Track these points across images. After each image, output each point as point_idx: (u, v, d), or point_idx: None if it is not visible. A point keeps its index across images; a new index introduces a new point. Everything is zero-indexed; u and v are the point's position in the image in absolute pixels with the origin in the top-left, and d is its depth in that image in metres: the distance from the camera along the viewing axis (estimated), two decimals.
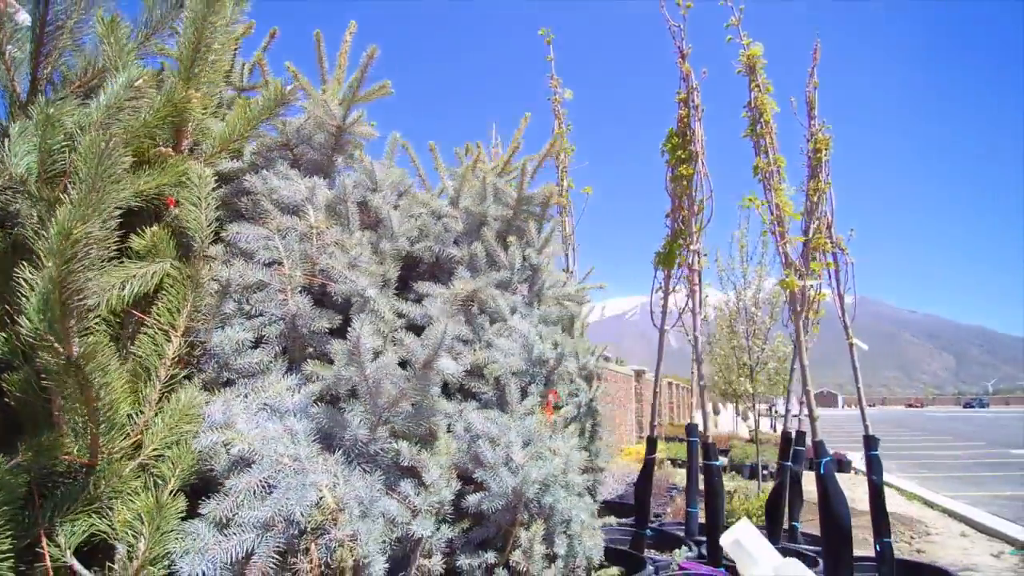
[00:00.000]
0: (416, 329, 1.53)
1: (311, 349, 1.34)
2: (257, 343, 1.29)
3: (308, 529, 0.98)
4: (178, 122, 1.26)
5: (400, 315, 1.57)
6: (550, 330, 1.90)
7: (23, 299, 0.84)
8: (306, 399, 1.21)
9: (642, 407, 11.38)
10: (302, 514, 0.95)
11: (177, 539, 0.87)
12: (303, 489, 0.98)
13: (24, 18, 1.37)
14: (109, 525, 0.88)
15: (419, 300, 1.66)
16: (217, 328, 1.23)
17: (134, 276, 1.08)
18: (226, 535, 0.90)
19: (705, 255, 3.04)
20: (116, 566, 0.80)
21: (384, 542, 1.15)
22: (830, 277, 3.55)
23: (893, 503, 7.89)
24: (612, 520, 2.66)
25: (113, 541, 0.83)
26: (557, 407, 1.85)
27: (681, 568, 2.42)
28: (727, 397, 9.67)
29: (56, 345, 0.82)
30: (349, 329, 1.18)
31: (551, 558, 1.49)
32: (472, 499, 1.40)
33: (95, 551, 0.88)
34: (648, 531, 3.34)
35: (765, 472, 9.16)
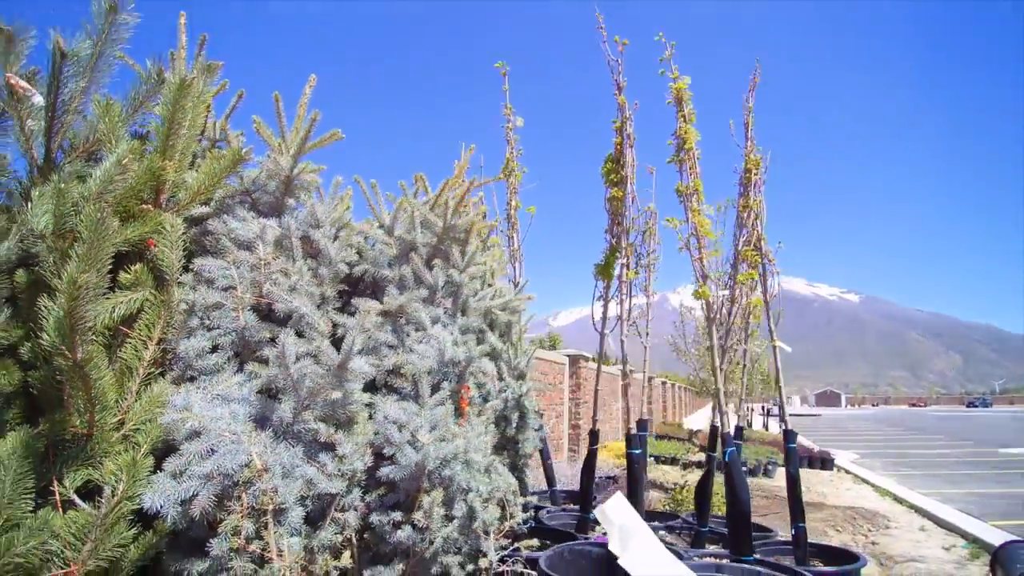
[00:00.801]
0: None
1: (257, 353, 1.78)
2: (215, 349, 1.72)
3: (240, 482, 1.41)
4: (156, 184, 1.70)
5: (335, 325, 2.00)
6: (467, 337, 2.33)
7: (44, 320, 1.28)
8: (249, 391, 1.65)
9: (628, 403, 11.73)
10: (234, 470, 1.38)
11: (146, 485, 1.31)
12: (236, 454, 1.41)
13: (39, 100, 1.81)
14: (100, 475, 1.31)
15: (353, 314, 2.09)
16: (184, 338, 1.67)
17: (121, 302, 1.52)
18: (179, 482, 1.33)
19: (648, 266, 3.44)
20: (103, 501, 1.23)
21: (303, 497, 1.58)
22: (759, 284, 3.96)
23: (865, 499, 8.26)
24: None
25: (102, 485, 1.26)
26: (470, 400, 2.28)
27: (596, 540, 2.82)
28: (702, 396, 10.02)
29: (66, 353, 1.26)
30: (278, 338, 1.62)
31: (449, 519, 1.91)
32: (384, 470, 1.83)
33: (90, 492, 1.31)
34: (591, 515, 3.76)
35: (745, 468, 9.51)
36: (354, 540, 1.80)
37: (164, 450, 1.43)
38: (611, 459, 9.02)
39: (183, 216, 1.77)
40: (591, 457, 3.78)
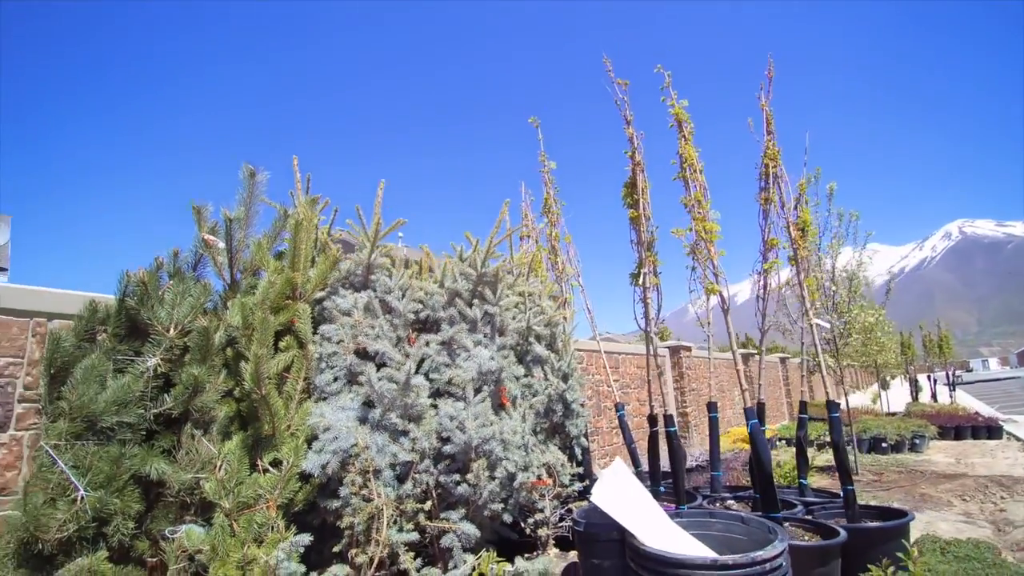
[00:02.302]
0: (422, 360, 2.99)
1: (359, 379, 2.88)
2: (335, 379, 2.85)
3: (353, 455, 2.48)
4: (292, 285, 2.88)
5: (406, 355, 3.04)
6: (504, 352, 3.25)
7: (244, 374, 2.46)
8: (355, 402, 2.74)
9: (752, 389, 11.65)
10: (348, 448, 2.46)
11: (304, 459, 2.44)
12: (349, 439, 2.49)
13: (221, 245, 3.10)
14: (280, 455, 2.47)
15: (426, 344, 3.13)
16: (317, 374, 2.81)
17: (282, 359, 2.69)
18: (320, 456, 2.44)
19: (657, 273, 4.06)
20: (283, 468, 2.38)
21: (392, 464, 2.62)
22: (795, 265, 4.32)
23: (1021, 466, 7.66)
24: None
25: (281, 460, 2.41)
26: (511, 397, 3.18)
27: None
28: (812, 372, 9.69)
29: (257, 391, 2.42)
30: (369, 368, 2.69)
31: (492, 479, 2.84)
32: (445, 448, 2.82)
33: (275, 463, 2.47)
34: (661, 488, 4.42)
35: (884, 445, 9.20)
36: (433, 494, 2.81)
37: (311, 439, 2.57)
38: (728, 443, 9.25)
39: (309, 300, 2.95)
40: (652, 438, 4.44)
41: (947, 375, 15.95)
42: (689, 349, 8.48)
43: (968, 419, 11.13)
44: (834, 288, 7.40)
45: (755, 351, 12.08)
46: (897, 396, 18.83)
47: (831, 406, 3.98)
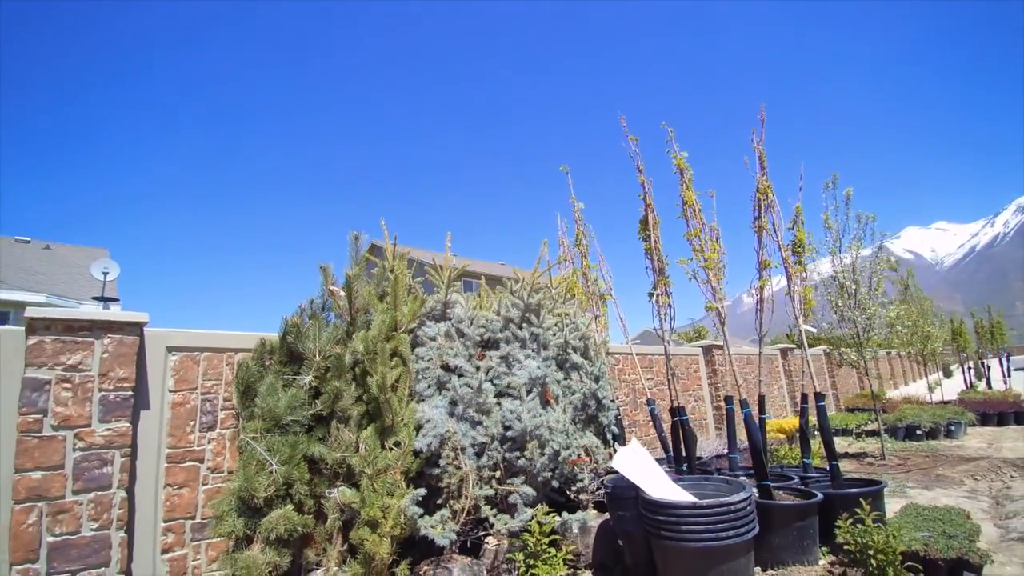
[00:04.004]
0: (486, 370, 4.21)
1: (446, 386, 4.11)
2: (428, 387, 4.10)
3: (446, 437, 3.71)
4: (395, 321, 4.15)
5: (477, 368, 4.26)
6: (548, 362, 4.42)
7: (370, 384, 3.74)
8: (444, 403, 3.98)
9: (791, 383, 12.38)
10: (443, 433, 3.69)
11: (414, 440, 3.69)
12: (443, 427, 3.73)
13: (343, 294, 4.40)
14: (399, 438, 3.73)
15: (490, 359, 4.34)
16: (416, 383, 4.08)
17: (394, 373, 3.96)
18: (424, 438, 3.69)
19: (669, 293, 5.11)
20: (402, 447, 3.63)
21: (472, 444, 3.84)
22: (787, 279, 5.30)
23: None
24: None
25: (400, 442, 3.67)
26: (555, 396, 4.35)
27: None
28: (839, 367, 10.32)
29: (381, 396, 3.69)
30: (452, 377, 3.92)
31: (543, 454, 4.01)
32: (508, 433, 4.02)
33: (397, 444, 3.74)
34: (684, 467, 5.47)
35: (919, 432, 9.89)
36: (501, 466, 4.01)
37: (417, 427, 3.83)
38: (770, 434, 10.07)
39: (406, 331, 4.22)
40: (675, 426, 5.49)
41: (1000, 361, 15.97)
42: (721, 348, 9.39)
43: (1012, 405, 11.51)
44: (854, 286, 8.18)
45: (793, 346, 12.76)
46: (958, 384, 18.88)
47: (818, 397, 4.96)
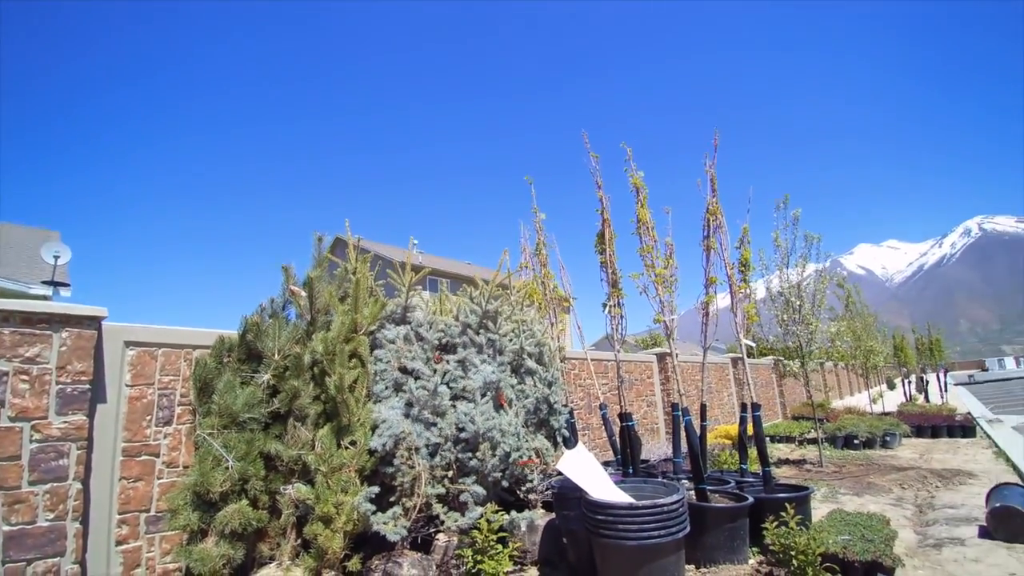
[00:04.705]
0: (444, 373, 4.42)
1: (402, 387, 4.30)
2: (385, 388, 4.28)
3: (401, 437, 3.91)
4: (355, 323, 4.32)
5: (434, 371, 4.46)
6: (503, 367, 4.65)
7: (328, 384, 3.90)
8: (401, 404, 4.17)
9: (741, 390, 12.97)
10: (397, 434, 3.88)
11: (369, 439, 3.88)
12: (398, 427, 3.92)
13: (304, 294, 4.54)
14: (355, 437, 3.90)
15: (447, 362, 4.55)
16: (373, 385, 4.25)
17: (352, 374, 4.13)
18: (380, 438, 3.88)
19: (620, 305, 5.43)
20: (357, 446, 3.81)
21: (426, 445, 4.04)
22: (731, 296, 5.68)
23: (973, 462, 8.98)
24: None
25: (356, 440, 3.85)
26: (508, 399, 4.59)
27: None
28: (784, 377, 10.96)
29: (338, 396, 3.86)
30: (409, 380, 4.11)
31: (494, 456, 4.25)
32: (462, 435, 4.23)
33: (352, 443, 3.91)
34: (629, 469, 5.79)
35: (856, 441, 10.50)
36: (453, 465, 4.22)
37: (373, 427, 4.01)
38: (713, 439, 10.58)
39: (366, 333, 4.39)
40: (623, 431, 5.81)
41: (937, 377, 17.05)
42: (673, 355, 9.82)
43: (945, 419, 12.31)
44: (799, 302, 8.71)
45: (744, 353, 13.37)
46: (899, 397, 20.03)
47: (755, 407, 5.34)
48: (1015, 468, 7.82)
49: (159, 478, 3.68)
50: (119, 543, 3.38)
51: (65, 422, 3.15)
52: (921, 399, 17.59)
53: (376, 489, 3.73)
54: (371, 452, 3.96)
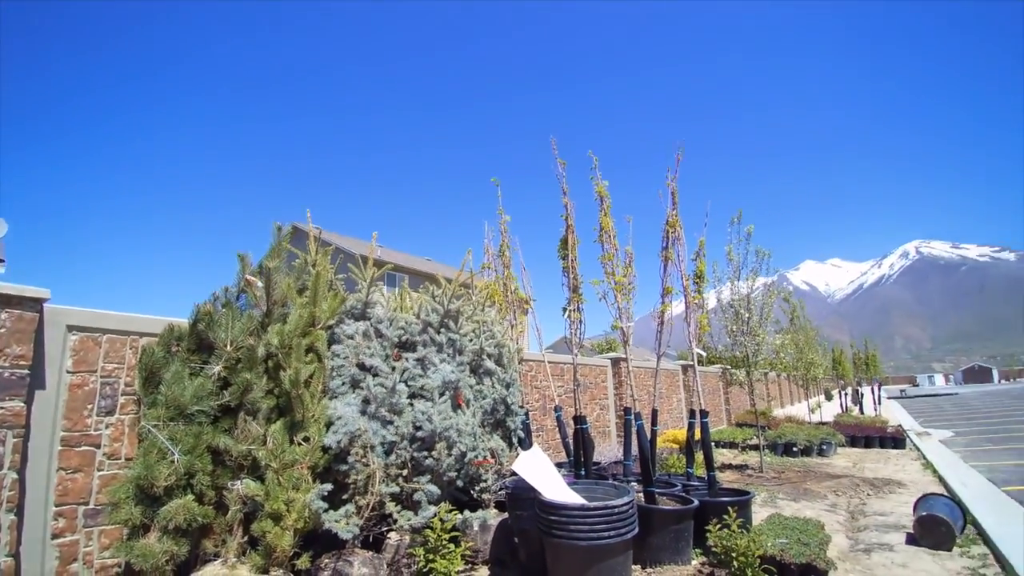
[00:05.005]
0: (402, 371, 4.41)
1: (360, 384, 4.27)
2: (343, 384, 4.24)
3: (356, 435, 3.89)
4: (313, 317, 4.26)
5: (392, 369, 4.45)
6: (463, 367, 4.69)
7: (283, 378, 3.84)
8: (357, 401, 4.15)
9: (689, 397, 13.38)
10: (353, 431, 3.86)
11: (324, 436, 3.84)
12: (354, 424, 3.89)
13: (260, 284, 4.45)
14: (309, 434, 3.86)
15: (406, 360, 4.54)
16: (330, 380, 4.21)
17: (309, 369, 4.08)
18: (335, 434, 3.84)
19: (580, 310, 5.55)
20: (311, 442, 3.77)
21: (382, 443, 4.03)
22: (685, 307, 5.89)
23: (902, 471, 9.49)
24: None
25: (310, 436, 3.80)
26: (466, 399, 4.62)
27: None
28: (730, 385, 11.45)
29: (293, 391, 3.81)
30: (367, 376, 4.09)
31: (450, 455, 4.27)
32: (419, 433, 4.24)
33: (306, 439, 3.86)
34: (581, 471, 5.90)
35: (795, 449, 10.97)
36: (408, 464, 4.22)
37: (328, 424, 3.98)
38: (662, 443, 10.89)
39: (324, 328, 4.34)
40: (576, 434, 5.93)
41: (872, 390, 18.06)
42: (627, 360, 10.07)
43: (878, 430, 13.04)
44: (747, 314, 9.07)
45: (695, 361, 13.82)
46: (836, 408, 21.10)
47: (702, 414, 5.55)
48: (941, 479, 8.36)
49: (100, 470, 3.55)
50: (55, 536, 3.24)
51: (1, 408, 3.00)
52: (856, 411, 18.56)
53: (329, 487, 3.70)
54: (325, 449, 3.92)
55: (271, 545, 3.44)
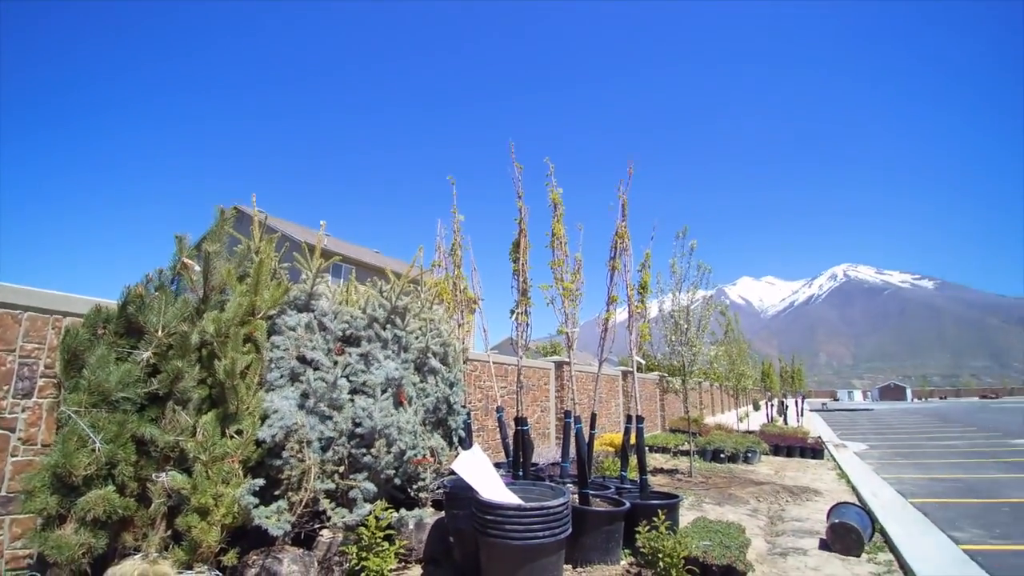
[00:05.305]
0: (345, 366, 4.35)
1: (300, 377, 4.19)
2: (281, 376, 4.14)
3: (293, 429, 3.81)
4: (253, 306, 4.14)
5: (334, 363, 4.38)
6: (407, 364, 4.67)
7: (217, 369, 3.72)
8: (296, 394, 4.06)
9: (628, 402, 13.76)
10: (289, 425, 3.78)
11: (258, 430, 3.74)
12: (291, 418, 3.81)
13: (198, 268, 4.29)
14: (243, 426, 3.75)
15: (349, 355, 4.48)
16: (268, 372, 4.10)
17: (246, 359, 3.96)
18: (270, 428, 3.75)
19: (528, 312, 5.64)
20: (244, 435, 3.66)
21: (319, 439, 3.96)
22: (629, 316, 6.08)
23: (819, 480, 10.05)
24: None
25: (243, 430, 3.69)
26: (409, 397, 4.60)
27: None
28: (666, 393, 11.93)
29: (227, 382, 3.69)
30: (308, 370, 4.01)
31: (389, 453, 4.25)
32: (358, 430, 4.19)
33: (239, 432, 3.75)
34: (519, 472, 5.99)
35: (723, 455, 11.45)
36: (346, 461, 4.17)
37: (264, 417, 3.87)
38: (600, 447, 11.15)
39: (264, 317, 4.22)
40: (517, 435, 6.01)
41: (796, 402, 19.14)
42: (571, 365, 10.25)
43: (799, 440, 13.80)
44: (686, 325, 9.44)
45: (635, 368, 14.23)
46: (763, 418, 22.21)
47: (638, 419, 5.75)
48: (854, 489, 8.96)
49: (14, 455, 3.34)
50: None
51: None
52: (781, 421, 19.59)
53: (261, 482, 3.61)
54: (259, 443, 3.82)
55: (196, 540, 3.32)
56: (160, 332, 3.92)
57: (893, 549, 5.57)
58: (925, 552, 5.28)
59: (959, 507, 7.63)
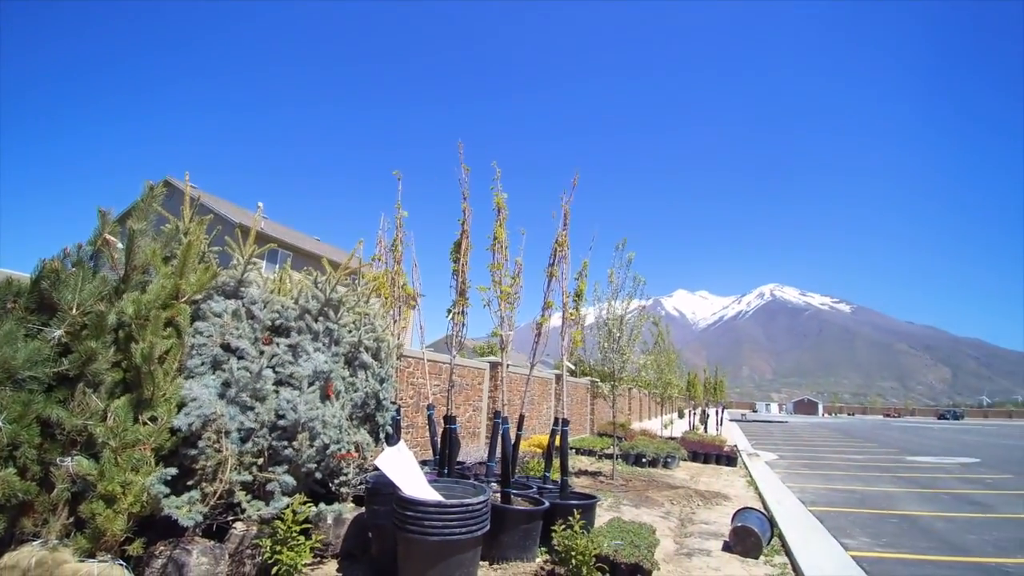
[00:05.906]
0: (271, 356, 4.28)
1: (223, 366, 4.10)
2: (202, 364, 4.04)
3: (211, 419, 3.73)
4: (177, 290, 4.02)
5: (260, 353, 4.31)
6: (337, 358, 4.65)
7: (134, 352, 3.59)
8: (217, 383, 3.97)
9: (559, 405, 14.07)
10: (208, 414, 3.70)
11: (174, 417, 3.64)
12: (210, 407, 3.73)
13: (120, 245, 4.12)
14: (157, 413, 3.64)
15: (277, 345, 4.41)
16: (189, 359, 3.99)
17: (165, 344, 3.84)
18: (187, 416, 3.67)
19: (464, 313, 5.74)
20: (159, 423, 3.56)
21: (239, 429, 3.90)
22: (562, 322, 6.26)
23: (731, 486, 10.58)
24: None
25: (158, 417, 3.59)
26: (337, 391, 4.59)
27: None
28: (596, 397, 12.36)
29: (145, 366, 3.58)
30: (231, 359, 3.93)
31: (312, 447, 4.23)
32: (280, 422, 4.15)
33: (153, 419, 3.64)
34: (446, 470, 6.06)
35: (644, 460, 11.87)
36: (266, 453, 4.12)
37: (181, 404, 3.77)
38: (527, 448, 11.36)
39: (189, 302, 4.10)
40: (445, 433, 6.08)
41: (717, 412, 20.16)
42: (504, 366, 10.41)
43: (716, 448, 14.50)
44: (619, 333, 9.78)
45: (565, 373, 14.56)
46: (686, 425, 23.23)
47: (564, 423, 5.94)
48: (761, 496, 9.54)
49: None
50: None
51: None
52: (702, 429, 20.54)
53: (173, 471, 3.52)
54: (174, 431, 3.72)
55: (101, 528, 3.21)
56: (75, 310, 3.75)
57: (788, 553, 6.00)
58: (817, 557, 5.73)
59: (853, 516, 8.27)
